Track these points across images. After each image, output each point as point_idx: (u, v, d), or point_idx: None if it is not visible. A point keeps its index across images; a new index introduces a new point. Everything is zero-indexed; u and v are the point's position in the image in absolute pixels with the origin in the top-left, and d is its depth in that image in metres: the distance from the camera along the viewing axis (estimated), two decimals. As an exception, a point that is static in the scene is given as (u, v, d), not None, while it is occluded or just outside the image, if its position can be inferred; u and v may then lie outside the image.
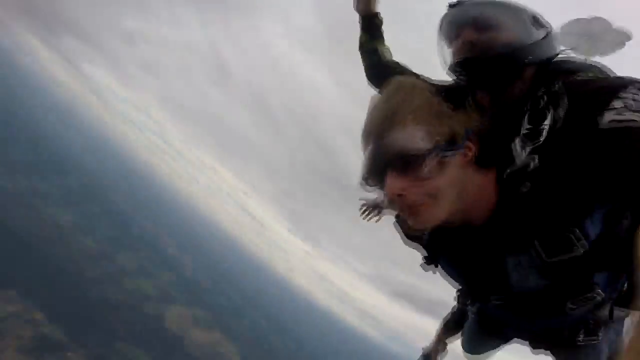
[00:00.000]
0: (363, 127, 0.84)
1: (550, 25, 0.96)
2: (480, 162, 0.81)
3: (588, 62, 0.95)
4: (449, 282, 1.05)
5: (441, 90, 0.86)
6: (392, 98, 0.82)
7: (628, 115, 0.68)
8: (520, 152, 0.77)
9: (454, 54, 0.93)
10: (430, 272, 1.06)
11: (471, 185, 0.80)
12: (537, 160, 0.73)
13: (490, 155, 0.81)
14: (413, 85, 0.85)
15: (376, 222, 1.83)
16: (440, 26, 0.97)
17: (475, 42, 0.90)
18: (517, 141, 0.78)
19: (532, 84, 0.88)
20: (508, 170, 0.77)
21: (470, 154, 0.80)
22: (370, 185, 0.84)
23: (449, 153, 0.77)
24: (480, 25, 0.89)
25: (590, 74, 0.88)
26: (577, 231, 0.72)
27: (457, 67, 0.91)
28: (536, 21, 0.92)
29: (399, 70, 1.38)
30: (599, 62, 0.96)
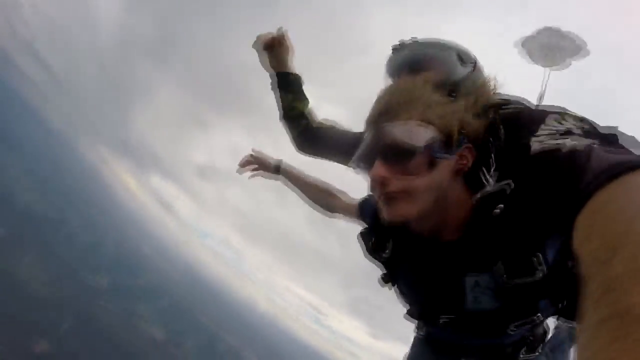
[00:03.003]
0: (369, 112, 0.85)
1: (476, 60, 1.02)
2: (466, 178, 0.82)
3: (507, 94, 0.97)
4: (402, 302, 1.09)
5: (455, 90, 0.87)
6: (402, 91, 0.83)
7: (552, 143, 0.69)
8: (488, 177, 0.79)
9: None
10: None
11: (451, 195, 0.81)
12: (513, 186, 0.74)
13: (473, 175, 0.81)
14: (425, 81, 0.84)
15: (249, 178, 1.71)
16: (386, 67, 1.07)
17: None
18: (484, 167, 0.80)
19: None
20: (479, 194, 0.79)
21: (463, 163, 0.81)
22: (360, 168, 0.86)
23: (440, 156, 0.77)
24: (414, 67, 0.97)
25: (518, 105, 0.90)
26: (540, 256, 0.74)
27: None
28: (462, 58, 0.98)
29: (334, 131, 1.36)
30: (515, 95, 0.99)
